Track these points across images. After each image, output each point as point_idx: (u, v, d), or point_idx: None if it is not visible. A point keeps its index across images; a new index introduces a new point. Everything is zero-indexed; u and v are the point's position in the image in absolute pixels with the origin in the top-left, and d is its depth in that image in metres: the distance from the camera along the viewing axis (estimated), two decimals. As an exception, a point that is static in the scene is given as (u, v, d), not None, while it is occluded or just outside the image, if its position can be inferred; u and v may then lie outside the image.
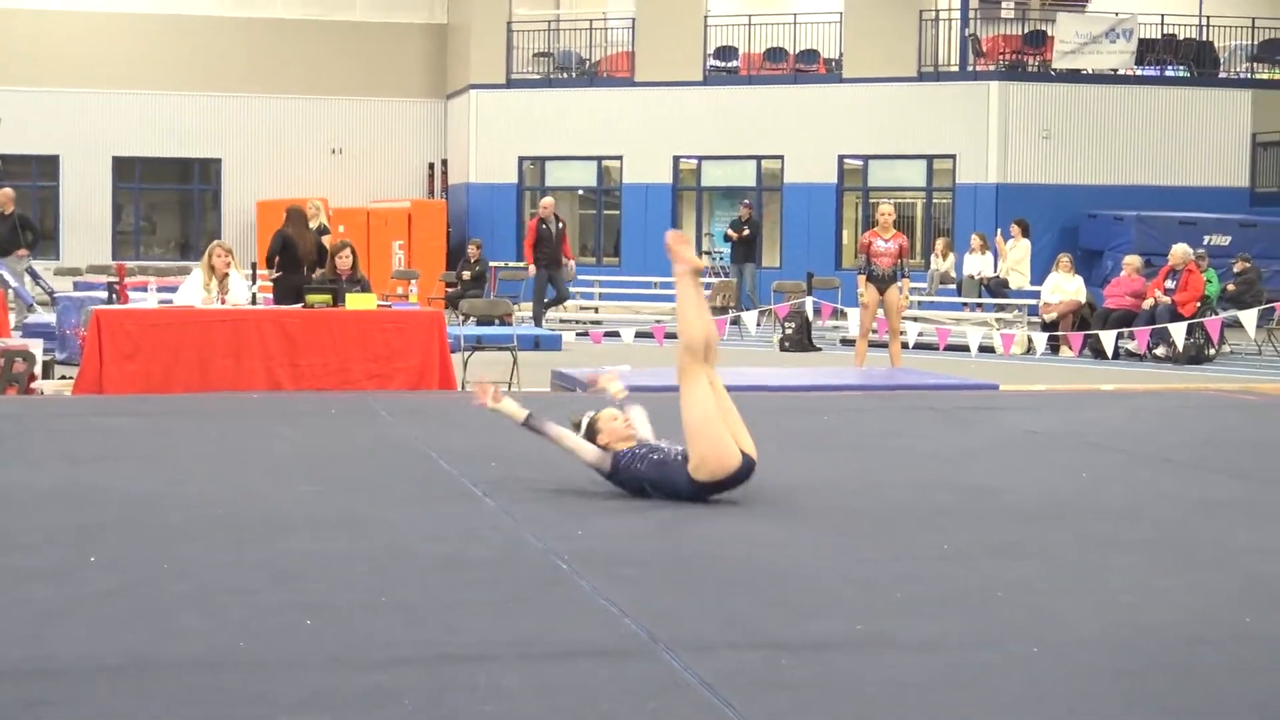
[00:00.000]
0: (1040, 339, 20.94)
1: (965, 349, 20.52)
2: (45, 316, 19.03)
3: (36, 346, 13.89)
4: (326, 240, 17.71)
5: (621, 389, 8.35)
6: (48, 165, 32.33)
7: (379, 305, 14.43)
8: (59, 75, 32.12)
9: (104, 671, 4.71)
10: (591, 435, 7.94)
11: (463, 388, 14.37)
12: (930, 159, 29.67)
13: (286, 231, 16.39)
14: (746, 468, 7.67)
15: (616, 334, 21.00)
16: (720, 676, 4.66)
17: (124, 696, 4.49)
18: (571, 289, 27.50)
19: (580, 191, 33.00)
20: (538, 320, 23.45)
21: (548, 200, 24.59)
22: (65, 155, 32.53)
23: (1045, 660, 4.96)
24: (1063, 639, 5.21)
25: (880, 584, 6.01)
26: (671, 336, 21.24)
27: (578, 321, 25.32)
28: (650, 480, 7.71)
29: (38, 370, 13.63)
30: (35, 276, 22.43)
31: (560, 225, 23.81)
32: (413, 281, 21.82)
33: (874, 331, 17.69)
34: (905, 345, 18.63)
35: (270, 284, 16.61)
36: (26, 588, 5.74)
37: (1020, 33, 30.80)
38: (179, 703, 4.42)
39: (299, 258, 16.10)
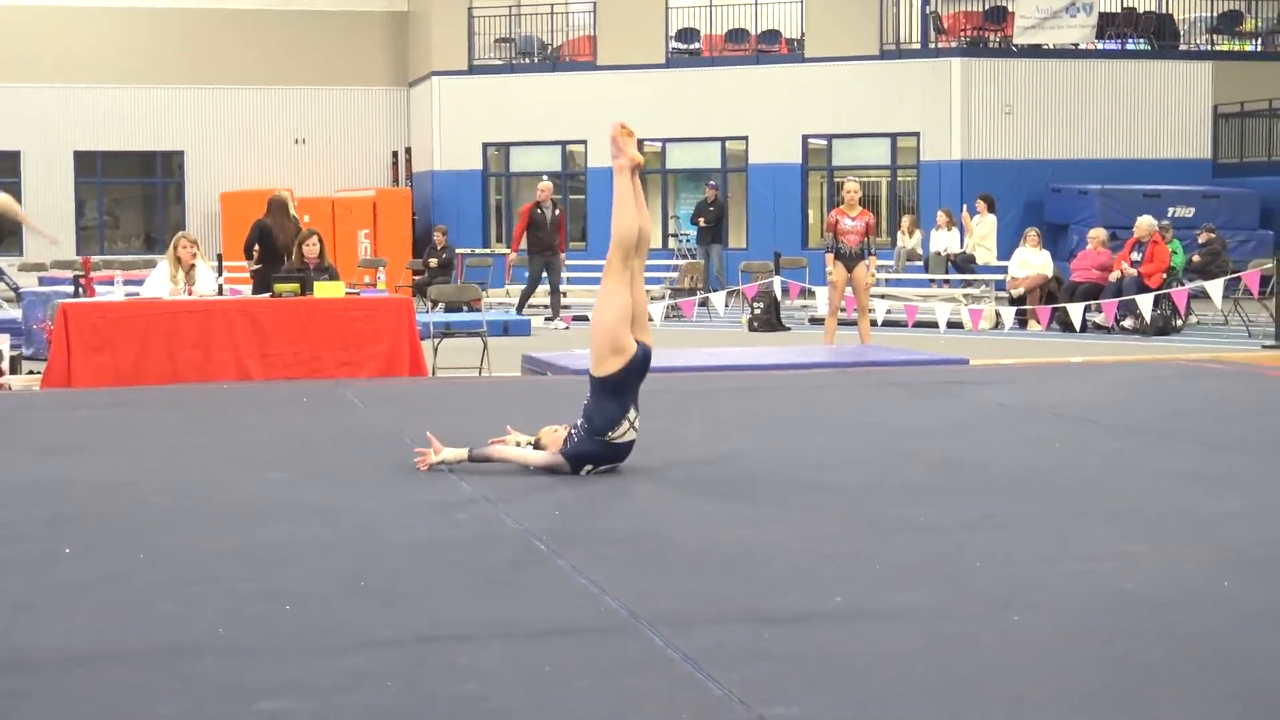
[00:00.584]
0: (1008, 313, 20.99)
1: (934, 325, 20.59)
2: (11, 312, 18.95)
3: (3, 341, 13.83)
4: None
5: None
6: (9, 161, 32.18)
7: (347, 293, 14.39)
8: (18, 70, 31.96)
9: (81, 662, 4.68)
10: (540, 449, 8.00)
11: (433, 374, 14.35)
12: (894, 137, 29.71)
13: (266, 221, 16.25)
14: (643, 356, 7.85)
15: (585, 318, 20.98)
16: (702, 651, 4.66)
17: (102, 686, 4.47)
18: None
19: (545, 177, 32.94)
20: (520, 307, 23.02)
21: (545, 184, 23.66)
22: (26, 151, 32.39)
23: (1024, 627, 4.97)
24: (1040, 606, 5.23)
25: (857, 557, 6.02)
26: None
27: (546, 306, 25.28)
28: (591, 428, 7.83)
29: (4, 365, 13.58)
30: (0, 273, 22.34)
31: (557, 212, 22.97)
32: (380, 269, 21.78)
33: (842, 309, 17.71)
34: (874, 322, 18.67)
35: (250, 275, 16.48)
36: None
37: (981, 9, 30.84)
38: (158, 691, 4.40)
39: (278, 249, 15.92)
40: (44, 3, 32.26)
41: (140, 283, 15.08)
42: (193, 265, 14.22)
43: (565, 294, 24.77)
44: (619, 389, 7.82)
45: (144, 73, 32.62)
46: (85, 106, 32.51)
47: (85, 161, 33.11)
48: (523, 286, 26.44)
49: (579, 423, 7.92)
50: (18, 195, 31.45)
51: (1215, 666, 4.60)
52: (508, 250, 30.62)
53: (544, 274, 22.82)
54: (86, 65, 32.27)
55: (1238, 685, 4.44)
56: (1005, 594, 5.40)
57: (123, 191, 34.66)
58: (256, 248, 16.26)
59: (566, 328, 21.85)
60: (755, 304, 21.93)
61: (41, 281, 24.45)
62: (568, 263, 24.61)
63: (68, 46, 32.22)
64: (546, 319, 22.73)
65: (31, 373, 14.33)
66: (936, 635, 4.90)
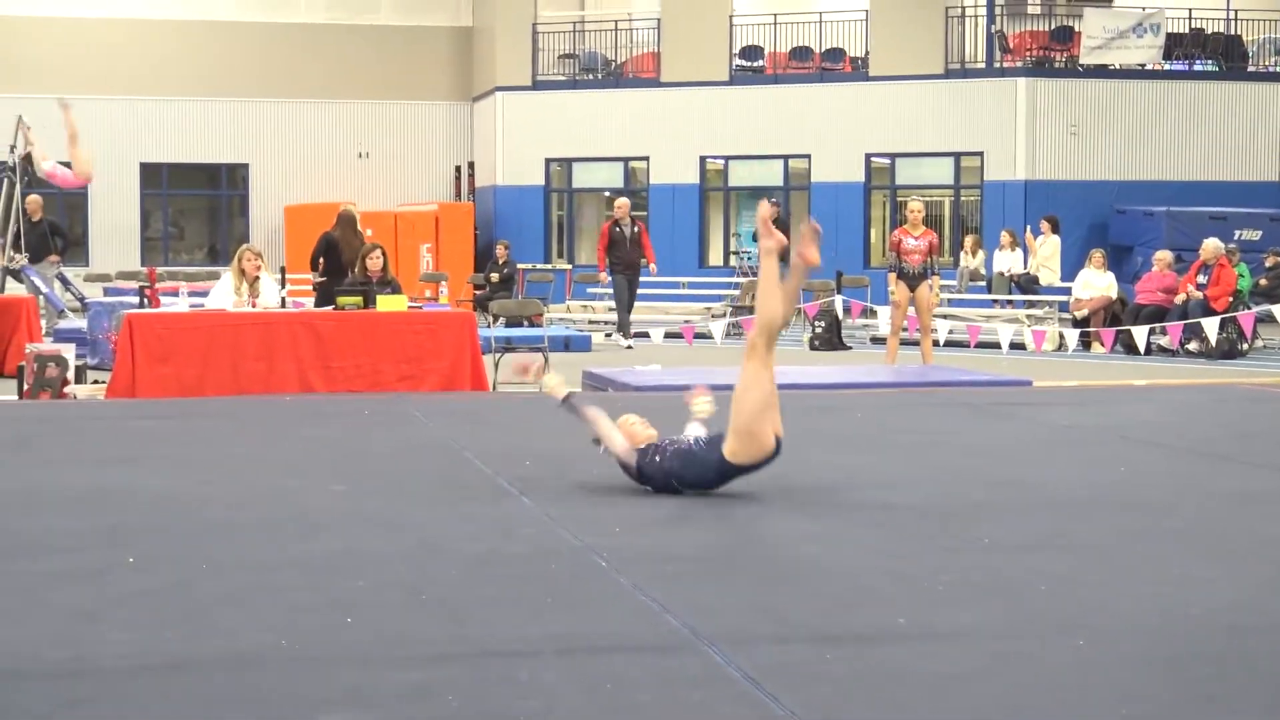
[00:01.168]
0: (1072, 335, 20.88)
1: (996, 346, 20.50)
2: (76, 322, 19.09)
3: (69, 351, 13.92)
4: None
5: (707, 407, 8.22)
6: (76, 172, 32.41)
7: (410, 307, 14.42)
8: (86, 82, 32.18)
9: (144, 671, 4.70)
10: None
11: (494, 389, 14.37)
12: (958, 156, 29.59)
13: (333, 234, 16.33)
14: (777, 450, 7.64)
15: (646, 334, 21.00)
16: (763, 670, 4.64)
17: (164, 695, 4.49)
18: (599, 290, 27.53)
19: (607, 193, 32.92)
20: (624, 330, 22.11)
21: (622, 201, 22.89)
22: (92, 162, 32.57)
23: (1089, 650, 4.93)
24: (1105, 629, 5.19)
25: (920, 577, 5.98)
26: (700, 337, 21.25)
27: (607, 323, 25.29)
28: (675, 470, 7.69)
29: (70, 375, 13.66)
30: (66, 283, 22.51)
31: (636, 229, 22.31)
32: (442, 283, 21.85)
33: (905, 329, 17.65)
34: (936, 343, 18.61)
35: (313, 288, 16.53)
36: (64, 589, 5.75)
37: (1047, 29, 30.71)
38: (219, 701, 4.41)
39: (343, 263, 15.96)
40: (113, 15, 32.51)
41: (205, 294, 15.16)
42: (257, 277, 14.29)
43: (594, 308, 25.11)
44: (734, 475, 7.72)
45: (210, 86, 32.82)
46: (152, 118, 32.72)
47: (151, 173, 33.33)
48: (586, 302, 26.62)
49: (669, 453, 7.75)
50: (84, 206, 31.78)
51: (1283, 692, 4.56)
52: (569, 265, 30.88)
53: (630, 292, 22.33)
54: (154, 78, 32.49)
55: (1307, 712, 4.39)
56: (1069, 616, 5.37)
57: (188, 203, 34.86)
58: (321, 261, 16.34)
59: (630, 347, 21.45)
60: (817, 323, 21.88)
61: (107, 292, 24.60)
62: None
63: (134, 59, 32.45)
64: (607, 335, 22.56)
65: (97, 382, 14.41)
66: (999, 656, 4.87)
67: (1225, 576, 6.05)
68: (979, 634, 5.13)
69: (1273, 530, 7.04)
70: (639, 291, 22.99)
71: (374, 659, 4.82)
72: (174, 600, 5.58)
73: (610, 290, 23.03)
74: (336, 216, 16.79)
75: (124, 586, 5.80)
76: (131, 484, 8.16)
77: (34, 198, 22.65)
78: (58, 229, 23.24)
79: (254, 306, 14.02)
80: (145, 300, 14.74)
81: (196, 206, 35.03)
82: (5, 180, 19.48)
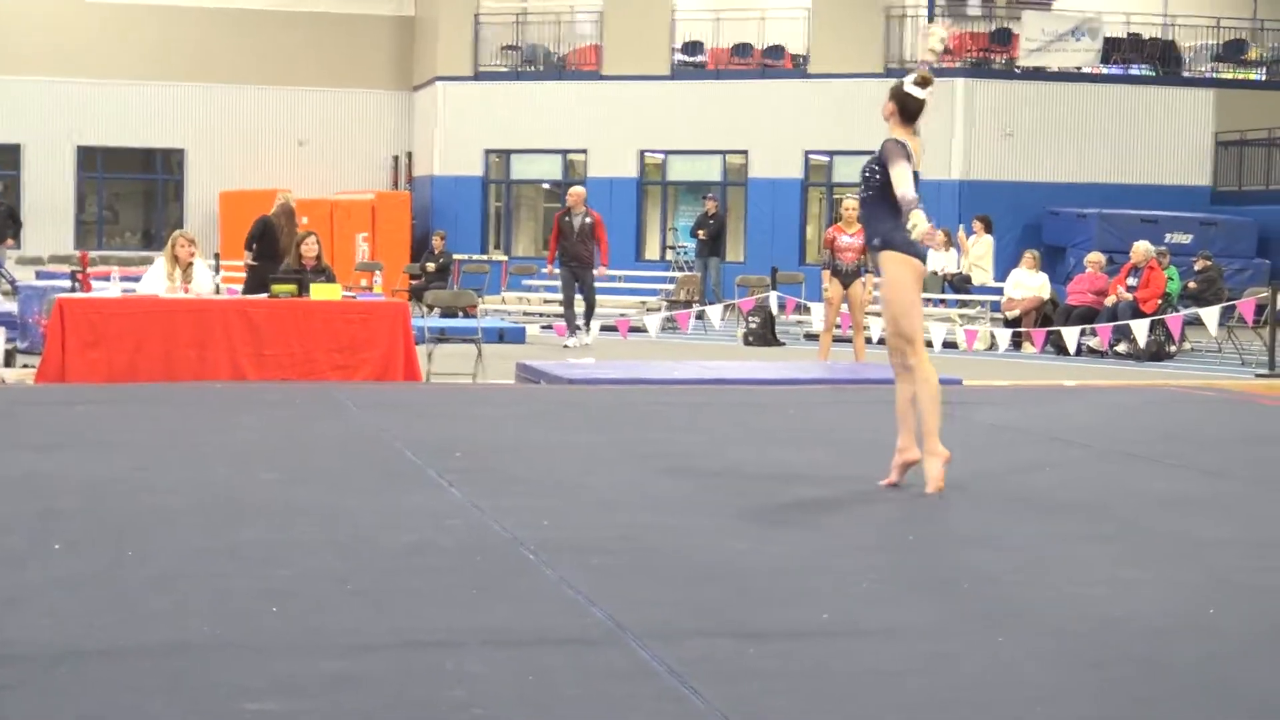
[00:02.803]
0: (1003, 335, 21.00)
1: (929, 344, 20.56)
2: (6, 306, 18.92)
3: (-2, 335, 13.82)
4: None
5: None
6: (10, 154, 32.15)
7: (344, 296, 14.37)
8: (22, 63, 31.94)
9: (69, 656, 4.66)
10: None
11: (427, 379, 14.34)
12: (895, 155, 29.65)
13: (270, 219, 16.29)
14: None
15: (579, 327, 20.95)
16: (688, 664, 4.65)
17: (89, 682, 4.46)
18: (534, 281, 27.47)
19: (545, 185, 32.96)
20: (568, 324, 20.71)
21: (575, 190, 21.42)
22: (28, 144, 32.36)
23: (1011, 649, 4.96)
24: (1029, 628, 5.22)
25: (847, 573, 6.01)
26: (636, 330, 21.26)
27: (542, 315, 25.27)
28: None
29: (-1, 358, 13.56)
30: (-2, 265, 22.34)
31: (588, 220, 20.51)
32: (377, 273, 21.76)
33: (838, 326, 17.70)
34: (869, 340, 18.65)
35: (245, 268, 16.46)
36: (-11, 573, 5.71)
37: (986, 30, 30.87)
38: (145, 688, 4.38)
39: (278, 250, 15.94)
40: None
41: (138, 279, 15.07)
42: (190, 264, 14.20)
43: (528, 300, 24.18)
44: None
45: (148, 69, 32.59)
46: (88, 101, 32.47)
47: (87, 156, 33.09)
48: (522, 294, 26.43)
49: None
50: (18, 188, 31.50)
51: (1205, 693, 4.59)
52: (505, 257, 30.85)
53: (576, 286, 20.62)
54: (91, 60, 32.24)
55: (1228, 713, 4.43)
56: (994, 615, 5.40)
57: (123, 187, 34.62)
58: (255, 244, 16.29)
59: (588, 343, 20.13)
60: (751, 318, 21.92)
61: (38, 275, 24.40)
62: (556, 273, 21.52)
63: (72, 40, 32.20)
64: (575, 329, 20.77)
65: (26, 366, 14.31)
66: (923, 655, 4.89)
67: (1152, 579, 6.10)
68: (905, 632, 5.16)
69: (1199, 533, 7.10)
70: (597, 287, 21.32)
71: (301, 648, 4.81)
72: (101, 587, 5.55)
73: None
74: (276, 203, 16.75)
75: (50, 572, 5.76)
76: (60, 469, 8.10)
77: None
78: (13, 213, 23.21)
79: (186, 292, 13.94)
80: (77, 285, 14.64)
81: (132, 191, 34.80)
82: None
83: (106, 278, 15.57)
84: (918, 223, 8.34)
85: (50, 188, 32.26)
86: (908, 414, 8.24)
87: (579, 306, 20.69)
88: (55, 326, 13.27)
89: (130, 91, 32.62)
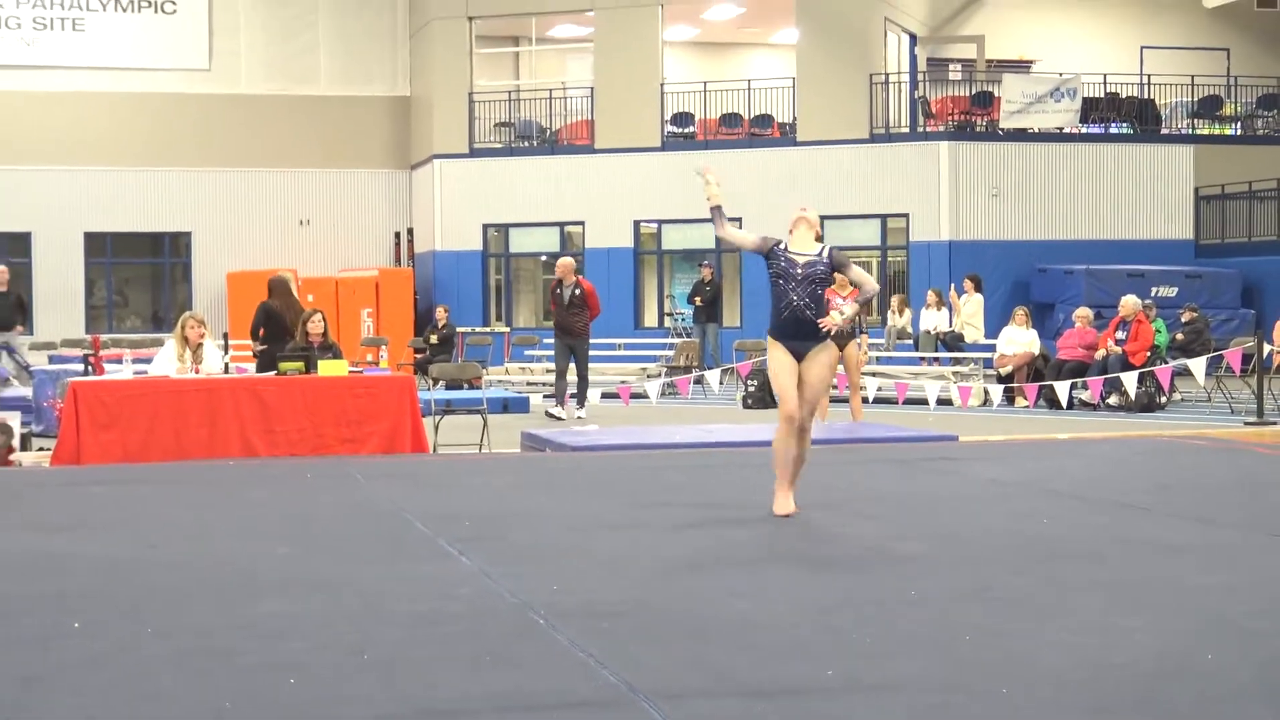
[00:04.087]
0: (996, 391, 21.01)
1: (924, 402, 20.60)
2: (21, 390, 18.94)
3: (14, 419, 13.83)
4: None
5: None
6: (20, 242, 32.24)
7: (350, 371, 14.40)
8: (30, 153, 32.09)
9: (91, 734, 4.67)
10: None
11: (434, 450, 14.35)
12: (884, 218, 29.81)
13: (270, 303, 16.29)
14: None
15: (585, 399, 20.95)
16: (697, 723, 4.66)
17: (111, 758, 4.46)
18: (536, 352, 27.48)
19: (544, 257, 33.02)
20: (558, 395, 20.04)
21: (563, 261, 20.78)
22: (37, 232, 32.45)
23: (1014, 699, 4.96)
24: (1030, 679, 5.22)
25: (850, 629, 6.01)
26: (637, 396, 21.27)
27: (545, 384, 25.28)
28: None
29: (15, 443, 13.57)
30: (11, 351, 22.37)
31: (578, 291, 19.92)
32: (382, 348, 21.78)
33: (835, 387, 17.72)
34: (865, 399, 18.68)
35: (254, 356, 16.48)
36: (9, 654, 5.70)
37: (968, 94, 31.03)
38: (166, 762, 4.39)
39: (286, 328, 15.92)
40: (56, 89, 32.39)
41: (148, 361, 15.09)
42: (200, 344, 14.23)
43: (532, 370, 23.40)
44: None
45: (153, 155, 32.74)
46: (95, 188, 32.60)
47: (95, 242, 33.18)
48: (524, 364, 26.37)
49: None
50: (28, 275, 31.56)
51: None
52: (507, 328, 30.90)
53: (571, 357, 19.84)
54: (97, 148, 32.39)
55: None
56: (996, 666, 5.40)
57: (131, 271, 34.70)
58: (262, 330, 16.29)
59: (581, 415, 19.46)
60: (749, 381, 21.93)
61: (51, 360, 24.44)
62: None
63: (77, 130, 32.34)
64: (573, 399, 19.94)
65: (42, 449, 14.32)
66: (926, 708, 4.89)
67: (1147, 626, 6.10)
68: (907, 686, 5.16)
69: (1192, 580, 7.11)
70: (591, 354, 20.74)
71: (318, 719, 4.81)
72: (121, 664, 5.55)
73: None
74: (269, 285, 16.71)
75: (71, 651, 5.76)
76: (77, 549, 8.11)
77: (1, 269, 22.82)
78: (23, 301, 23.38)
79: (197, 373, 13.97)
80: (89, 368, 14.67)
81: (140, 274, 34.88)
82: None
83: (118, 360, 15.60)
84: (846, 311, 10.10)
85: (60, 273, 32.33)
86: (789, 466, 9.51)
87: (572, 375, 19.90)
88: (69, 409, 13.29)
89: (136, 177, 32.76)
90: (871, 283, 9.63)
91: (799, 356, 9.43)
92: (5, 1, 32.44)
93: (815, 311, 9.39)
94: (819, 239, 9.67)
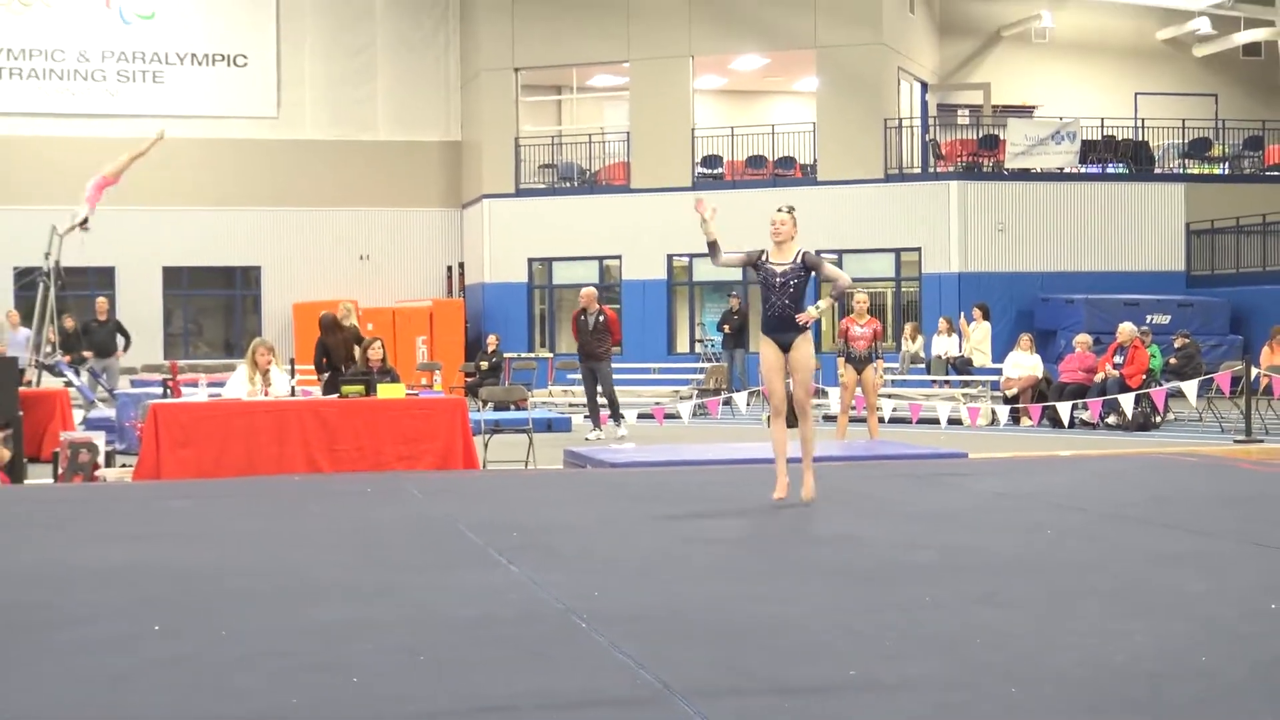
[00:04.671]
0: (1003, 411, 20.94)
1: (936, 422, 20.53)
2: (106, 411, 19.03)
3: (99, 438, 13.89)
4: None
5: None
6: (105, 275, 32.41)
7: (407, 394, 14.43)
8: (113, 195, 32.08)
9: (170, 729, 4.68)
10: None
11: (484, 467, 14.35)
12: (898, 252, 29.77)
13: (323, 339, 16.60)
14: None
15: (620, 415, 20.95)
16: (729, 719, 4.63)
17: (189, 751, 4.46)
18: (577, 375, 27.40)
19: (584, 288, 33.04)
20: (592, 418, 19.96)
21: (585, 290, 20.64)
22: (120, 266, 32.63)
23: (1022, 698, 4.93)
24: (1037, 678, 5.19)
25: (870, 632, 5.98)
26: (670, 417, 21.25)
27: (585, 406, 25.27)
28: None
29: (100, 460, 13.63)
30: (97, 376, 22.48)
31: (601, 318, 19.87)
32: (436, 372, 21.81)
33: (853, 408, 17.69)
34: (882, 419, 18.63)
35: (320, 383, 16.79)
36: (97, 655, 5.72)
37: (975, 137, 30.97)
38: (239, 755, 4.39)
39: (336, 361, 16.28)
40: (137, 136, 32.56)
41: (222, 385, 15.16)
42: (269, 369, 14.29)
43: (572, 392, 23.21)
44: None
45: (225, 196, 32.91)
46: (173, 226, 32.76)
47: (172, 275, 33.34)
48: (566, 387, 26.39)
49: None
50: (112, 306, 31.70)
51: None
52: (550, 354, 30.92)
53: (595, 382, 19.87)
54: (174, 189, 32.55)
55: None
56: (1005, 667, 5.37)
57: (206, 302, 34.84)
58: (324, 359, 16.56)
59: (622, 434, 19.36)
60: (774, 403, 21.85)
61: (133, 384, 24.55)
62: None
63: (158, 173, 32.41)
64: (611, 419, 19.84)
65: (124, 466, 14.38)
66: (941, 705, 4.86)
67: (1145, 629, 6.06)
68: (923, 685, 5.13)
69: (1188, 587, 7.05)
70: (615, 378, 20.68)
71: (378, 716, 4.81)
72: (197, 664, 5.55)
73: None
74: (319, 322, 16.97)
75: (152, 652, 5.77)
76: (157, 558, 8.12)
77: (100, 300, 23.16)
78: (122, 328, 23.63)
79: (266, 395, 14.02)
80: (168, 391, 14.72)
81: (213, 305, 35.02)
82: (41, 285, 19.49)
83: (194, 384, 15.66)
84: (821, 305, 10.94)
85: (141, 304, 32.49)
86: (785, 453, 10.67)
87: (602, 399, 19.87)
88: (149, 429, 13.35)
89: (210, 216, 32.92)
90: (844, 278, 10.59)
91: (785, 347, 10.39)
92: (92, 56, 32.67)
93: (794, 309, 10.28)
94: (793, 237, 10.38)
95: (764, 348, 10.47)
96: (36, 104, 32.25)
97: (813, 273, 10.27)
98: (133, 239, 32.45)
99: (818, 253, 10.42)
